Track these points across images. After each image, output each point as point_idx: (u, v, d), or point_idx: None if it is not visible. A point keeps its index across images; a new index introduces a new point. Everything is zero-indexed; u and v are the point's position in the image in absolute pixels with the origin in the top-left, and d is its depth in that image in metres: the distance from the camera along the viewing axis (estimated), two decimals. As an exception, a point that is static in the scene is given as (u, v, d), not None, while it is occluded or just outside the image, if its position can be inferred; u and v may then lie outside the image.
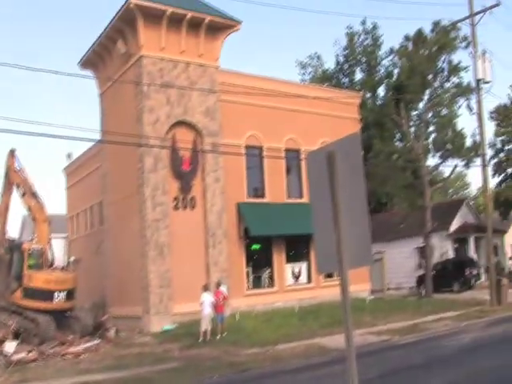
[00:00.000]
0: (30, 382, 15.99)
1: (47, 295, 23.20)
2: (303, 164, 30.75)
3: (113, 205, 30.09)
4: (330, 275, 28.85)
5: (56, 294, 23.35)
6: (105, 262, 31.07)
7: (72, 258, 27.91)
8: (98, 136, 29.33)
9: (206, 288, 22.33)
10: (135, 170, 26.92)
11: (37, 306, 22.92)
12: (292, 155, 31.36)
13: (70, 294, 24.08)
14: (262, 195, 30.39)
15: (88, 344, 22.07)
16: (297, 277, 31.01)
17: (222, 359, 17.61)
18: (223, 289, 23.01)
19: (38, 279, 23.44)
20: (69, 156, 45.77)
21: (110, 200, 30.48)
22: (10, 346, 20.29)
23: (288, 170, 31.54)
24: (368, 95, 41.86)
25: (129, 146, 24.50)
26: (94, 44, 29.60)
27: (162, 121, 26.70)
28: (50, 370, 17.83)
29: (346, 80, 46.94)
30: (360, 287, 30.03)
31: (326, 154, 5.29)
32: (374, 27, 45.19)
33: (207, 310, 21.35)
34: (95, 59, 30.56)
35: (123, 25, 27.21)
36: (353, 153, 5.20)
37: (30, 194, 25.31)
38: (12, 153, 25.85)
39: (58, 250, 35.01)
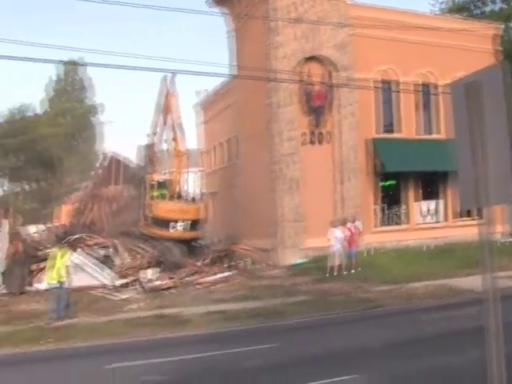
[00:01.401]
0: (167, 307, 16.89)
1: (167, 224, 23.93)
2: (439, 98, 29.42)
3: (246, 139, 30.47)
4: (468, 213, 27.68)
5: (177, 223, 24.02)
6: (238, 196, 31.82)
7: (203, 191, 28.55)
8: (227, 71, 29.33)
9: (334, 224, 22.26)
10: (266, 106, 26.99)
11: (160, 234, 23.85)
12: (427, 90, 30.02)
13: (194, 225, 24.67)
14: (397, 130, 29.49)
15: (221, 274, 22.93)
16: (429, 215, 30.16)
17: (352, 295, 17.66)
18: (356, 224, 22.88)
19: (159, 209, 24.27)
20: (197, 93, 46.80)
21: (244, 135, 30.90)
22: (151, 273, 21.50)
23: (423, 105, 30.28)
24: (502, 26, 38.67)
25: (260, 82, 24.52)
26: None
27: (293, 56, 26.37)
28: (186, 298, 18.76)
29: (478, 12, 43.54)
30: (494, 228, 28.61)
31: (469, 85, 4.96)
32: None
33: (336, 246, 21.37)
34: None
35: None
36: (495, 84, 4.82)
37: (177, 124, 25.82)
38: (173, 77, 25.61)
39: (194, 183, 36.27)
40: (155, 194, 25.44)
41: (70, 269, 16.68)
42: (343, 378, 8.89)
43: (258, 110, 27.59)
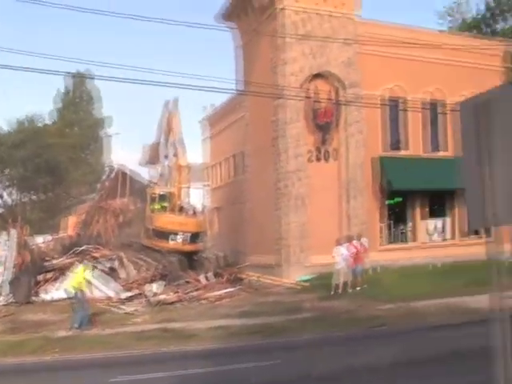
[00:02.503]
0: (172, 321, 16.87)
1: (167, 236, 24.20)
2: (447, 116, 29.43)
3: (252, 155, 30.57)
4: (476, 232, 27.60)
5: (177, 235, 24.27)
6: (244, 212, 31.83)
7: (204, 205, 28.92)
8: (233, 87, 29.57)
9: (339, 241, 22.22)
10: (273, 122, 27.06)
11: (159, 246, 24.12)
12: (435, 107, 30.06)
13: (194, 237, 24.89)
14: (404, 148, 29.50)
15: (227, 290, 22.93)
16: (436, 233, 30.09)
17: (357, 313, 17.56)
18: (362, 241, 22.86)
19: (159, 220, 24.63)
20: (205, 108, 47.13)
21: (250, 151, 30.98)
22: (156, 287, 21.52)
23: (431, 123, 30.30)
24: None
25: (268, 98, 24.65)
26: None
27: (301, 72, 26.50)
28: (191, 312, 18.75)
29: (488, 30, 43.68)
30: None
31: (480, 103, 4.96)
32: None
33: (341, 264, 21.29)
34: (235, 11, 30.70)
35: (264, -24, 27.06)
36: (506, 103, 4.83)
37: (178, 140, 26.33)
38: (175, 102, 26.88)
39: (198, 197, 36.46)
40: (156, 206, 25.82)
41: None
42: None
43: (265, 126, 27.67)
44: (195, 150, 48.94)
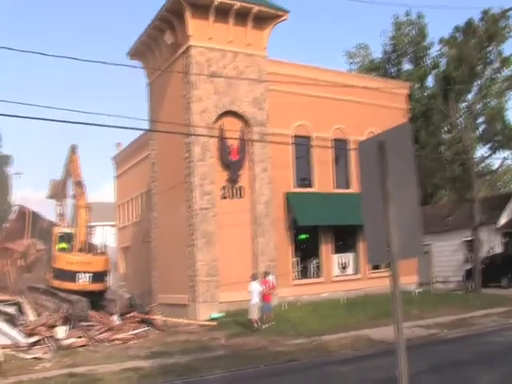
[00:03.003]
0: (80, 366, 16.30)
1: (71, 276, 23.82)
2: (351, 154, 30.47)
3: (161, 193, 30.38)
4: (377, 266, 28.60)
5: (81, 275, 23.91)
6: (152, 250, 31.44)
7: (105, 244, 28.67)
8: (146, 125, 29.66)
9: (254, 277, 22.40)
10: (183, 160, 27.06)
11: (64, 287, 23.70)
12: (340, 145, 31.11)
13: (99, 277, 24.54)
14: (310, 185, 30.22)
15: (136, 330, 22.47)
16: (344, 268, 30.82)
17: (269, 349, 17.64)
18: (271, 278, 23.09)
19: (62, 260, 24.21)
20: (118, 145, 46.68)
21: (159, 189, 30.79)
22: (61, 331, 20.76)
23: (336, 160, 31.28)
24: (416, 86, 41.01)
25: (177, 136, 24.71)
26: (142, 35, 29.83)
27: (210, 110, 26.76)
28: (100, 355, 18.19)
29: (393, 70, 46.15)
30: (407, 279, 29.52)
31: (377, 143, 5.22)
32: (419, 17, 43.99)
33: (255, 300, 21.43)
34: (143, 49, 30.81)
35: (171, 15, 27.33)
36: (404, 142, 5.11)
37: (76, 182, 26.28)
38: (74, 148, 27.16)
39: (108, 236, 35.76)
40: (63, 245, 25.32)
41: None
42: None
43: (177, 163, 27.64)
44: (109, 188, 48.37)
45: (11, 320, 21.33)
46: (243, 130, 27.67)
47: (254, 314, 21.34)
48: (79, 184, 26.42)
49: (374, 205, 5.15)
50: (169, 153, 29.05)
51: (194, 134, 25.35)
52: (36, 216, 31.58)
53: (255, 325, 21.20)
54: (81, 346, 19.76)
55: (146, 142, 33.31)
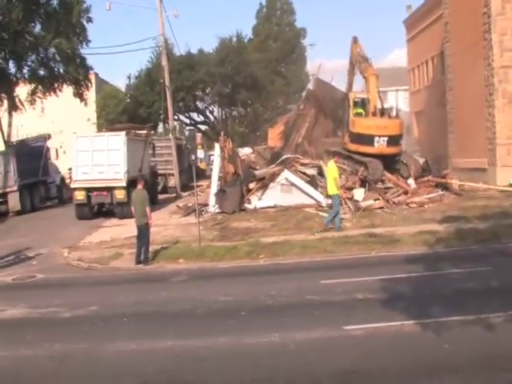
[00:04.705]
0: (378, 227, 16.73)
1: (369, 140, 23.88)
2: None
3: (455, 54, 28.89)
4: None
5: (377, 138, 23.85)
6: (448, 113, 30.38)
7: (398, 108, 28.09)
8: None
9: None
10: (480, 15, 25.02)
11: (361, 150, 24.01)
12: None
13: (394, 140, 24.28)
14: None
15: (431, 194, 22.24)
16: None
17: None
18: None
19: (359, 125, 24.33)
20: (408, 8, 44.80)
21: (452, 49, 29.23)
22: (359, 194, 21.47)
23: None
24: None
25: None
26: None
27: None
28: (396, 218, 18.47)
29: None
30: None
31: None
32: None
33: None
34: None
35: None
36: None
37: (363, 59, 25.91)
38: (355, 40, 27.15)
39: (401, 101, 35.40)
40: (358, 110, 25.63)
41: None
42: None
43: (473, 20, 25.62)
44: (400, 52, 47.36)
45: (311, 182, 22.62)
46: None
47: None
48: (365, 59, 26.18)
49: None
50: (464, 9, 27.05)
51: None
52: (329, 86, 32.62)
53: None
54: (378, 208, 20.24)
55: (438, 1, 31.35)
